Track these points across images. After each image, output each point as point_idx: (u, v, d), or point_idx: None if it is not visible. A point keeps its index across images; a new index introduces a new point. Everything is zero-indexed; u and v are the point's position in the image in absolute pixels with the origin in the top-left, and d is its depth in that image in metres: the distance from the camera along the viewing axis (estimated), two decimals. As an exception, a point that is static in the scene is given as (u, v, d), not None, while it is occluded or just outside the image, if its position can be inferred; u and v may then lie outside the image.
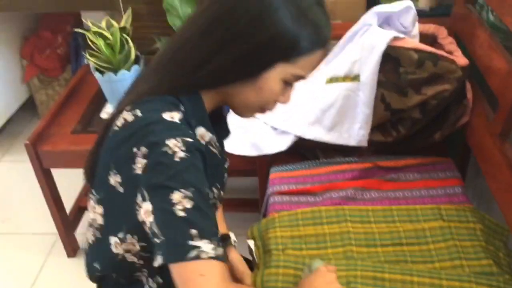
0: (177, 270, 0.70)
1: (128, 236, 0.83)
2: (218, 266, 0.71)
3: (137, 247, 0.84)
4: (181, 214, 0.70)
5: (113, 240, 0.85)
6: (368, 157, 1.40)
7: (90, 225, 0.92)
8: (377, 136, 1.37)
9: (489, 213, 1.23)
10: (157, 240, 0.71)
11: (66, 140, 1.65)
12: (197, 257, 0.69)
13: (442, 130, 1.34)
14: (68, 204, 1.89)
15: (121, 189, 0.79)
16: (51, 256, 1.92)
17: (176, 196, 0.70)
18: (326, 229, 1.22)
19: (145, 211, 0.73)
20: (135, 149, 0.75)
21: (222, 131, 0.94)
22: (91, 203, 0.89)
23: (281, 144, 1.41)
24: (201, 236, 0.70)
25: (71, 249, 1.88)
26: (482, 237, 1.15)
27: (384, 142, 1.37)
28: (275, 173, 1.43)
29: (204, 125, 0.83)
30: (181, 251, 0.69)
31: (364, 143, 1.35)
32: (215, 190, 0.91)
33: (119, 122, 0.80)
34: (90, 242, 0.93)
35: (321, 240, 1.19)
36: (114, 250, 0.86)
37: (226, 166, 0.98)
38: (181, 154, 0.72)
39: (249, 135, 1.47)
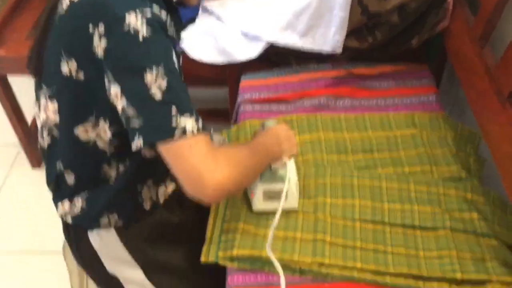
0: (164, 148, 0.73)
1: (101, 120, 0.80)
2: (202, 137, 0.73)
3: (108, 134, 0.81)
4: (158, 95, 0.70)
5: (80, 129, 0.81)
6: (342, 64, 1.35)
7: (42, 127, 0.87)
8: (352, 42, 1.30)
9: (461, 121, 1.22)
10: (135, 124, 0.71)
11: (21, 45, 1.55)
12: (182, 135, 0.71)
13: (420, 35, 1.29)
14: (30, 114, 1.81)
15: (80, 76, 0.75)
16: (14, 167, 1.87)
17: (148, 77, 0.70)
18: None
19: (115, 94, 0.72)
20: (91, 29, 0.70)
21: (176, 23, 0.89)
22: (42, 103, 0.84)
23: (252, 50, 1.34)
24: (181, 112, 0.71)
25: (35, 159, 1.82)
26: (453, 144, 1.15)
27: (359, 49, 1.31)
28: (246, 81, 1.37)
29: (158, 2, 0.78)
30: (165, 132, 0.71)
31: (339, 49, 1.29)
32: None
33: (65, 4, 0.74)
34: (47, 145, 0.88)
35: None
36: (83, 138, 0.82)
37: (180, 61, 0.93)
38: (144, 31, 0.70)
39: (218, 41, 1.39)
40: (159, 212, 0.98)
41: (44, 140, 0.88)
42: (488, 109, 1.02)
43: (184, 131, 0.71)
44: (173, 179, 0.98)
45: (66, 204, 0.91)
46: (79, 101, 0.79)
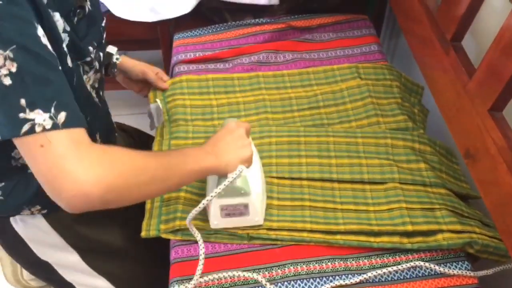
0: (17, 143, 0.61)
1: None
2: (63, 134, 0.60)
3: None
4: (6, 82, 0.57)
5: None
6: (280, 17, 1.28)
7: None
8: (288, -7, 1.23)
9: (403, 70, 1.19)
10: None
11: None
12: (31, 131, 0.59)
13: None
14: None
15: None
16: None
17: None
18: (240, 98, 1.12)
19: None
20: None
21: None
22: None
23: (183, 6, 1.24)
24: (32, 106, 0.58)
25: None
26: (398, 94, 1.11)
27: (297, 0, 1.24)
28: (179, 40, 1.27)
29: None
30: (13, 126, 0.59)
31: (276, 1, 1.22)
32: (91, 49, 0.77)
33: None
34: None
35: (235, 109, 1.10)
36: None
37: (103, 24, 0.83)
38: None
39: (146, -2, 1.28)
40: None
41: None
42: (431, 55, 0.98)
43: (32, 127, 0.59)
44: None
45: None
46: None
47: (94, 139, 0.79)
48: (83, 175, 0.59)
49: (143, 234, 0.89)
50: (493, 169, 0.76)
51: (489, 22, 0.92)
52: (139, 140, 1.19)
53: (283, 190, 0.94)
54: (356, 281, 0.82)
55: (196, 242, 0.86)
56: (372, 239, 0.87)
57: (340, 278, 0.82)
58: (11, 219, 0.84)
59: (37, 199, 0.81)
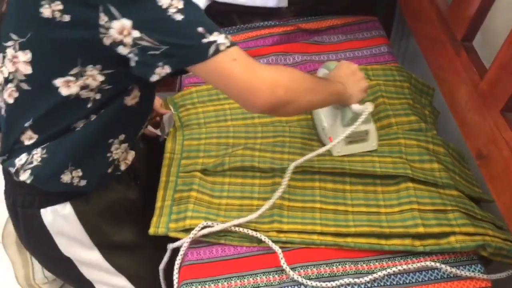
0: (204, 68, 0.70)
1: (89, 67, 0.73)
2: (239, 49, 0.72)
3: (98, 80, 0.75)
4: (178, 16, 0.67)
5: (61, 81, 0.74)
6: (289, 19, 1.27)
7: (7, 81, 0.77)
8: (296, -4, 1.23)
9: (413, 72, 1.18)
10: (156, 51, 0.68)
11: None
12: (218, 51, 0.69)
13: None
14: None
15: (66, 18, 0.68)
16: None
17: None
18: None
19: (121, 30, 0.67)
20: None
21: None
22: (8, 55, 0.74)
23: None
24: (210, 31, 0.68)
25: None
26: (409, 95, 1.10)
27: (306, 2, 1.24)
28: (188, 44, 1.28)
29: None
30: (200, 51, 0.68)
31: (284, 3, 1.21)
32: None
33: None
34: (12, 101, 0.78)
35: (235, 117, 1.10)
36: (64, 92, 0.74)
37: None
38: None
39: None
40: (117, 187, 0.91)
41: (6, 97, 0.78)
42: (441, 56, 0.97)
43: (217, 47, 0.68)
44: (134, 147, 0.91)
45: (23, 158, 0.80)
46: (61, 50, 0.72)
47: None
48: (269, 74, 0.73)
49: (152, 231, 0.89)
50: (506, 170, 0.75)
51: (500, 21, 0.91)
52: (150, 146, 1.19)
53: (294, 191, 0.94)
54: (366, 282, 0.81)
55: (205, 245, 0.86)
56: (383, 241, 0.86)
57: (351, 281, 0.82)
58: (42, 211, 0.84)
59: (80, 160, 0.81)
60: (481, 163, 0.82)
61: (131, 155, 0.91)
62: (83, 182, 0.83)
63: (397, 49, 1.46)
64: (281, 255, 0.83)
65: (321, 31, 1.27)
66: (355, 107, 0.92)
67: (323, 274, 0.83)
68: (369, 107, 0.92)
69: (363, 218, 0.89)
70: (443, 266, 0.82)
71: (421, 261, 0.83)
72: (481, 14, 0.88)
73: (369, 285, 0.81)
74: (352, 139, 0.98)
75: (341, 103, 0.93)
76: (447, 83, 0.96)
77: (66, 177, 0.81)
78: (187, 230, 0.88)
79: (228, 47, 0.69)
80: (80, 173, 0.82)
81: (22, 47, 0.73)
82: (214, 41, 0.68)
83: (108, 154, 0.85)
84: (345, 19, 1.28)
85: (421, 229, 0.85)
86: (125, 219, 0.92)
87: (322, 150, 0.92)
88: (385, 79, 1.14)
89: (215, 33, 0.69)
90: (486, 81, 0.82)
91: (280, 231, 0.87)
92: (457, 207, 0.88)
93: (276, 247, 0.84)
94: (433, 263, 0.83)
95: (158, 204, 0.93)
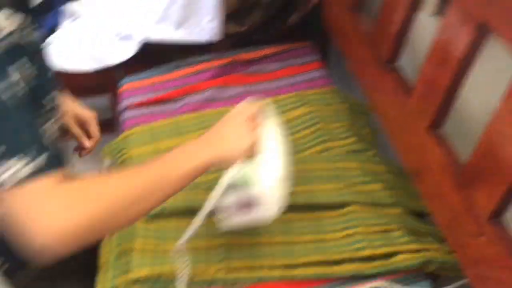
0: None
1: None
2: (34, 184, 0.54)
3: None
4: None
5: None
6: (225, 52, 1.28)
7: None
8: (232, 27, 1.24)
9: (352, 93, 1.20)
10: None
11: None
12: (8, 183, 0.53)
13: (297, 11, 1.25)
14: None
15: None
16: None
17: None
18: (188, 139, 1.11)
19: None
20: None
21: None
22: None
23: (125, 51, 1.23)
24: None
25: None
26: (346, 117, 1.12)
27: (240, 33, 1.25)
28: (126, 85, 1.26)
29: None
30: None
31: (218, 37, 1.22)
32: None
33: None
34: None
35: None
36: None
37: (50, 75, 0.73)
38: None
39: (88, 46, 1.27)
40: None
41: None
42: (371, 77, 1.00)
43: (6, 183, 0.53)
44: None
45: None
46: None
47: None
48: (58, 218, 0.53)
49: (99, 288, 0.86)
50: (438, 186, 0.77)
51: (423, 40, 0.94)
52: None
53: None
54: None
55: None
56: (332, 268, 0.86)
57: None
58: None
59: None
60: (417, 180, 0.84)
61: None
62: (5, 266, 0.80)
63: (336, 71, 1.49)
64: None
65: (258, 61, 1.28)
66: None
67: (274, 310, 0.81)
68: (231, 173, 0.69)
69: (310, 247, 0.89)
70: (393, 285, 0.83)
71: (371, 283, 0.84)
72: (402, 34, 0.91)
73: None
74: (238, 208, 0.74)
75: (218, 167, 0.69)
76: (378, 103, 0.98)
77: None
78: (135, 283, 0.85)
79: (15, 178, 0.53)
80: (2, 260, 0.79)
81: None
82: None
83: None
84: (280, 47, 1.30)
85: (367, 252, 0.85)
86: (66, 276, 0.88)
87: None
88: (323, 103, 1.16)
89: (12, 159, 0.53)
90: (413, 99, 0.85)
91: (229, 270, 0.86)
92: (401, 225, 0.90)
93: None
94: (383, 284, 0.83)
95: (102, 259, 0.90)
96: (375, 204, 0.94)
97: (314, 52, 1.31)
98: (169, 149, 1.07)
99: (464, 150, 0.80)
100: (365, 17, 1.06)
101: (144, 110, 1.20)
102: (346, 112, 1.13)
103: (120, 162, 1.08)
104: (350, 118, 1.12)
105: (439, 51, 0.76)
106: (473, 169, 0.69)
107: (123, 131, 1.17)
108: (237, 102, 1.16)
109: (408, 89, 0.88)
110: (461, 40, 0.70)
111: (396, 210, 0.94)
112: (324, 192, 0.97)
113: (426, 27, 0.92)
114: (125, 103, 1.21)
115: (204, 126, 1.13)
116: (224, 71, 1.25)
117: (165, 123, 1.14)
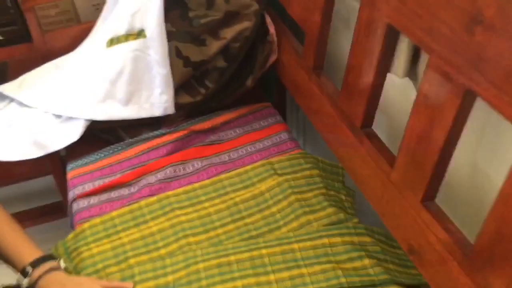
0: None
1: None
2: None
3: None
4: None
5: None
6: (180, 124, 1.19)
7: None
8: (184, 97, 1.15)
9: (315, 152, 1.13)
10: None
11: None
12: None
13: (253, 75, 1.18)
14: None
15: None
16: None
17: None
18: (153, 227, 0.99)
19: None
20: None
21: None
22: None
23: (70, 134, 1.11)
24: None
25: None
26: (321, 184, 1.04)
27: (194, 103, 1.16)
28: (73, 171, 1.14)
29: None
30: None
31: (171, 110, 1.13)
32: None
33: None
34: None
35: (151, 241, 0.97)
36: None
37: None
38: None
39: (26, 132, 1.13)
40: None
41: None
42: (345, 145, 0.93)
43: None
44: None
45: None
46: None
47: None
48: None
49: None
50: (443, 267, 0.69)
51: (396, 101, 0.88)
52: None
53: (210, 266, 0.82)
54: None
55: None
56: None
57: None
58: None
59: None
60: (415, 259, 0.76)
61: None
62: None
63: (296, 130, 1.43)
64: None
65: (217, 129, 1.19)
66: None
67: None
68: None
69: None
70: None
71: None
72: (374, 96, 0.85)
73: None
74: None
75: None
76: (357, 172, 0.90)
77: None
78: None
79: None
80: None
81: None
82: None
83: None
84: (239, 111, 1.22)
85: None
86: None
87: None
88: (293, 171, 1.07)
89: None
90: (397, 170, 0.78)
91: None
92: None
93: None
94: None
95: None
96: (367, 284, 0.86)
97: (274, 113, 1.24)
98: (133, 243, 0.96)
99: (465, 222, 0.73)
100: (328, 79, 1.00)
101: (96, 199, 1.07)
102: (320, 178, 1.06)
103: (76, 263, 0.94)
104: (324, 184, 1.05)
105: (422, 117, 0.70)
106: (484, 251, 0.62)
107: (74, 226, 1.04)
108: (201, 178, 1.09)
109: (389, 158, 0.81)
110: (446, 106, 0.64)
111: None
112: (312, 277, 0.88)
113: (399, 88, 0.87)
114: (74, 192, 1.08)
115: (168, 210, 1.02)
116: (181, 145, 1.15)
117: (122, 212, 1.02)
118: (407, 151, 0.75)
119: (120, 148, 1.16)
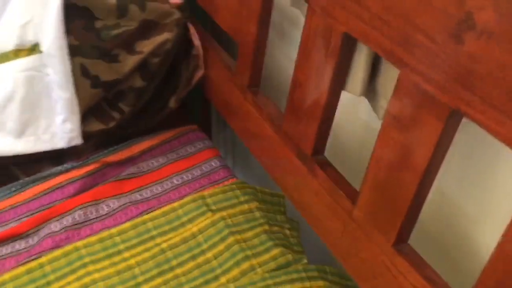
0: None
1: None
2: None
3: None
4: None
5: None
6: (90, 156, 0.99)
7: None
8: (94, 124, 0.96)
9: (247, 177, 0.99)
10: None
11: None
12: None
13: (176, 94, 1.02)
14: None
15: None
16: None
17: None
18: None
19: None
20: None
21: None
22: None
23: None
24: None
25: None
26: (262, 219, 0.90)
27: (106, 130, 0.97)
28: (-49, 222, 0.90)
29: None
30: None
31: (78, 140, 0.93)
32: None
33: None
34: None
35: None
36: None
37: None
38: None
39: None
40: None
41: None
42: (294, 176, 0.79)
43: None
44: None
45: None
46: None
47: None
48: None
49: None
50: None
51: (348, 123, 0.76)
52: None
53: None
54: None
55: None
56: None
57: None
58: None
59: None
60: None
61: None
62: None
63: (224, 153, 1.28)
64: None
65: (135, 159, 1.01)
66: None
67: None
68: None
69: None
70: None
71: None
72: (328, 119, 0.71)
73: None
74: None
75: None
76: (308, 208, 0.77)
77: None
78: None
79: None
80: None
81: None
82: None
83: None
84: (160, 137, 1.05)
85: None
86: None
87: None
88: (229, 205, 0.92)
89: None
90: (361, 208, 0.65)
91: None
92: None
93: None
94: None
95: None
96: None
97: (203, 136, 1.08)
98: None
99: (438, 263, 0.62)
100: (266, 98, 0.86)
101: (-14, 256, 0.85)
102: (259, 212, 0.91)
103: None
104: (266, 219, 0.90)
105: (392, 143, 0.58)
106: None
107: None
108: (119, 221, 0.91)
109: (350, 192, 0.68)
110: (425, 131, 0.53)
111: None
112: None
113: (354, 108, 0.75)
114: (-48, 252, 0.85)
115: (78, 266, 0.82)
116: (93, 180, 0.96)
117: (17, 274, 0.81)
118: (373, 184, 0.62)
119: (14, 189, 0.94)
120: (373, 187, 0.62)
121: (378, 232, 0.63)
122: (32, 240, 0.87)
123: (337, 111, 0.71)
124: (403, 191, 0.58)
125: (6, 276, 0.80)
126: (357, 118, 0.77)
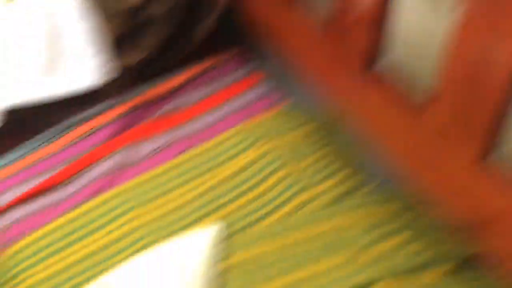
0: None
1: None
2: None
3: None
4: None
5: None
6: (124, 95, 0.91)
7: None
8: (127, 56, 0.87)
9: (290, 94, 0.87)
10: None
11: None
12: None
13: (213, 13, 0.90)
14: None
15: None
16: None
17: None
18: (105, 238, 0.74)
19: None
20: None
21: None
22: None
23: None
24: None
25: None
26: (316, 146, 0.79)
27: (139, 64, 0.88)
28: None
29: None
30: None
31: (113, 73, 0.84)
32: None
33: None
34: None
35: (101, 258, 0.72)
36: None
37: None
38: None
39: None
40: None
41: None
42: (340, 83, 0.67)
43: None
44: None
45: None
46: None
47: None
48: None
49: None
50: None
51: (412, 27, 0.63)
52: None
53: None
54: None
55: None
56: None
57: None
58: None
59: None
60: (479, 235, 0.52)
61: None
62: None
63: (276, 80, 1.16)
64: None
65: (176, 93, 0.92)
66: None
67: None
68: None
69: None
70: None
71: None
72: (379, 21, 0.58)
73: None
74: None
75: None
76: (374, 126, 0.65)
77: None
78: None
79: None
80: None
81: None
82: None
83: None
84: (201, 65, 0.94)
85: None
86: None
87: None
88: (279, 134, 0.81)
89: None
90: (433, 119, 0.53)
91: None
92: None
93: None
94: None
95: None
96: (405, 272, 0.63)
97: (247, 60, 0.96)
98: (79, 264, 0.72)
99: None
100: (310, 7, 0.73)
101: (28, 209, 0.81)
102: (314, 138, 0.80)
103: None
104: (321, 145, 0.79)
105: (473, 31, 0.45)
106: None
107: (4, 246, 0.78)
108: (165, 159, 0.83)
109: (413, 103, 0.56)
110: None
111: (437, 272, 0.62)
112: (326, 275, 0.64)
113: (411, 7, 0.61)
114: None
115: (119, 214, 0.76)
116: (129, 121, 0.89)
117: (60, 223, 0.76)
118: (452, 84, 0.49)
119: (49, 137, 0.88)
120: (450, 87, 0.50)
121: (456, 143, 0.51)
122: (73, 187, 0.82)
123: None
124: (489, 89, 0.45)
125: (54, 224, 0.76)
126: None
